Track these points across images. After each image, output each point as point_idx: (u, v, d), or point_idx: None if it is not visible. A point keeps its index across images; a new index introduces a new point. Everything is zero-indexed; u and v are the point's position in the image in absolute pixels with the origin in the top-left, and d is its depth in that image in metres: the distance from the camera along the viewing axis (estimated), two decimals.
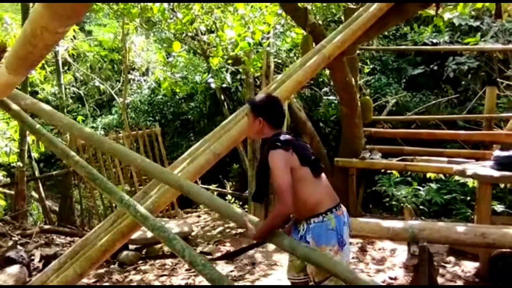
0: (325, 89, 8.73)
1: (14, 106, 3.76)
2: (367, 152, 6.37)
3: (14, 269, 4.61)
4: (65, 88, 10.16)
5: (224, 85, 7.77)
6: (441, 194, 7.02)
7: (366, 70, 8.59)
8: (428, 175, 6.51)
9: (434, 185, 6.95)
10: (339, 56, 4.88)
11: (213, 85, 7.02)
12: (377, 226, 3.57)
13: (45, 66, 8.96)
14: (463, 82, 9.14)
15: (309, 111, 8.38)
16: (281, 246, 2.47)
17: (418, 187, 6.91)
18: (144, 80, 13.31)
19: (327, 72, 7.63)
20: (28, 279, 4.67)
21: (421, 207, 6.77)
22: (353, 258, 4.93)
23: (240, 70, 6.89)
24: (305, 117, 7.04)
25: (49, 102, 11.62)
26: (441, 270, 4.35)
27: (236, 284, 4.35)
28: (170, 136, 11.44)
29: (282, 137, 2.53)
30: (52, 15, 1.27)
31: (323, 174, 2.68)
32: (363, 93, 8.08)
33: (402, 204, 6.54)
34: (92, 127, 12.55)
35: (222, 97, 9.41)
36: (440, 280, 4.00)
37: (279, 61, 8.45)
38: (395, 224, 3.62)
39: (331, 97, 8.42)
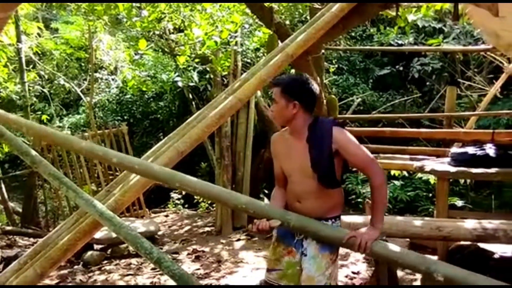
0: None
1: None
2: None
3: None
4: (29, 87, 9.92)
5: (191, 84, 7.74)
6: (405, 191, 7.22)
7: (332, 70, 8.72)
8: (392, 172, 6.67)
9: (398, 182, 7.12)
10: (304, 55, 4.94)
11: (180, 84, 7.01)
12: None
13: (8, 64, 8.74)
14: (427, 83, 9.41)
15: None
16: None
17: None
18: (112, 79, 13.12)
19: (292, 71, 7.72)
20: None
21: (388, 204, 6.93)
22: None
23: (208, 69, 6.89)
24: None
25: (13, 100, 11.34)
26: None
27: (201, 282, 4.36)
28: (139, 136, 11.35)
29: (338, 121, 2.41)
30: None
31: None
32: (329, 92, 8.20)
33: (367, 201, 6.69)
34: (59, 126, 12.29)
35: (191, 96, 9.38)
36: (400, 273, 4.11)
37: (247, 60, 8.49)
38: (355, 219, 3.71)
39: None
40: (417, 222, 3.58)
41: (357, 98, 8.67)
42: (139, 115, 11.84)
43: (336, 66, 9.16)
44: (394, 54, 9.71)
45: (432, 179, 6.46)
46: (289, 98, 2.30)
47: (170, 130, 10.33)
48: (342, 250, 5.02)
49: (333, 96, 7.29)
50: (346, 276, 4.34)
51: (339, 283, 4.10)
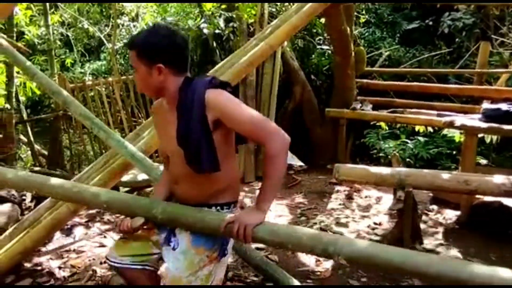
0: (320, 38, 8.63)
1: (4, 42, 3.69)
2: (358, 103, 6.42)
3: (6, 207, 4.65)
4: (53, 31, 9.88)
5: (217, 32, 7.62)
6: (427, 149, 7.15)
7: (362, 20, 8.49)
8: (416, 128, 6.61)
9: (422, 139, 7.05)
10: (336, 3, 4.82)
11: (205, 31, 6.90)
12: (365, 171, 3.66)
13: (32, 6, 8.68)
14: (457, 39, 9.09)
15: (302, 63, 8.32)
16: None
17: (406, 140, 7.02)
18: (134, 26, 13.00)
19: (321, 21, 7.54)
20: (21, 217, 4.73)
21: (407, 160, 6.90)
22: (339, 205, 5.08)
23: (234, 16, 6.75)
24: (298, 67, 7.01)
25: (35, 44, 11.37)
26: (423, 217, 4.50)
27: None
28: None
29: (217, 79, 1.87)
30: None
31: None
32: (357, 44, 8.03)
33: (389, 156, 6.67)
34: (81, 72, 12.36)
35: (214, 44, 9.25)
36: (423, 226, 4.16)
37: (273, 9, 8.29)
38: (383, 170, 3.71)
39: (325, 47, 8.34)
40: (444, 175, 3.58)
41: (386, 52, 8.46)
42: None
43: (366, 17, 8.92)
44: (423, 7, 9.37)
45: (457, 136, 6.38)
46: (149, 62, 1.79)
47: None
48: (364, 202, 5.11)
49: (361, 48, 7.16)
50: (368, 226, 4.40)
51: (363, 234, 4.17)
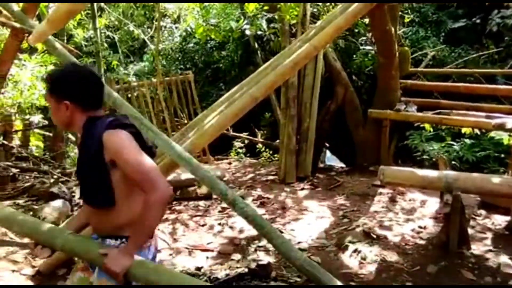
0: (363, 38, 8.53)
1: (59, 46, 3.85)
2: (402, 104, 6.31)
3: (58, 203, 4.86)
4: (100, 33, 10.21)
5: (259, 33, 7.67)
6: (473, 151, 6.94)
7: (407, 20, 8.32)
8: (463, 130, 6.43)
9: (468, 141, 6.85)
10: (381, 3, 4.77)
11: (248, 32, 6.96)
12: (412, 174, 3.61)
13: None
14: (506, 38, 8.76)
15: (343, 63, 8.26)
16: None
17: (452, 143, 6.84)
18: (176, 28, 13.25)
19: (364, 21, 7.46)
20: (71, 213, 4.93)
21: (452, 162, 6.72)
22: (382, 207, 5.01)
23: (276, 17, 6.77)
24: (340, 67, 6.95)
25: (82, 47, 11.78)
26: (471, 222, 4.38)
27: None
28: (200, 85, 11.48)
29: (120, 119, 1.90)
30: None
31: None
32: (401, 44, 7.88)
33: (433, 159, 6.52)
34: (125, 73, 12.69)
35: (256, 45, 9.31)
36: (470, 231, 4.04)
37: (315, 10, 8.27)
38: (430, 173, 3.65)
39: (368, 47, 8.24)
40: (495, 179, 3.48)
41: (431, 52, 8.26)
42: (201, 64, 11.94)
43: (411, 17, 8.74)
44: (470, 5, 9.07)
45: (505, 139, 6.16)
46: (58, 98, 1.85)
47: (232, 80, 10.47)
48: (408, 205, 5.02)
49: (406, 48, 7.03)
50: (413, 230, 4.31)
51: (407, 238, 4.10)
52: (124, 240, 1.85)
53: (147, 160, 1.77)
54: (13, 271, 3.59)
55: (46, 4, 7.21)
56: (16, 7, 4.11)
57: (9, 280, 3.44)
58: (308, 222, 4.71)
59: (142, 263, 1.78)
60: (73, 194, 5.70)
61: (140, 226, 1.75)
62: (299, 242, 4.20)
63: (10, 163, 6.74)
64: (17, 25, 3.68)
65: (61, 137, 8.44)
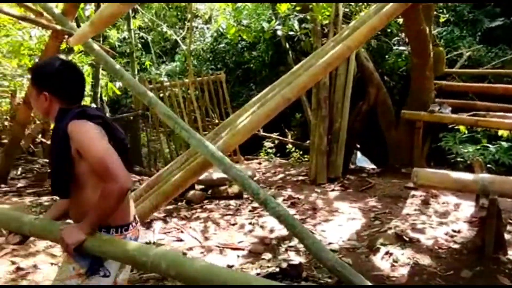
0: (396, 38, 8.41)
1: (96, 47, 3.96)
2: (436, 105, 6.19)
3: None
4: (134, 34, 10.43)
5: (291, 33, 7.66)
6: (510, 154, 6.75)
7: (442, 19, 8.16)
8: (500, 132, 6.26)
9: (505, 144, 6.66)
10: (416, 3, 4.70)
11: (279, 33, 6.97)
12: (445, 176, 3.54)
13: None
14: None
15: (375, 64, 8.18)
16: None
17: (487, 145, 6.67)
18: (207, 28, 13.40)
19: (398, 21, 7.36)
20: None
21: (488, 165, 6.55)
22: (415, 210, 4.94)
23: (308, 17, 6.75)
24: (373, 68, 6.88)
25: (115, 47, 12.06)
26: (508, 227, 4.27)
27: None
28: (231, 85, 11.59)
29: (89, 110, 1.91)
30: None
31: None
32: (436, 44, 7.73)
33: (468, 162, 6.37)
34: (157, 73, 12.92)
35: (287, 46, 9.32)
36: (507, 236, 3.94)
37: (347, 10, 8.21)
38: (465, 175, 3.57)
39: (401, 48, 8.12)
40: None
41: (467, 52, 8.07)
42: (232, 65, 12.04)
43: (446, 16, 8.57)
44: (508, 3, 8.81)
45: None
46: (38, 89, 1.94)
47: (262, 80, 10.51)
48: (441, 208, 4.93)
49: (440, 48, 6.90)
50: (446, 234, 4.24)
51: (441, 242, 4.04)
52: (105, 230, 1.88)
53: (109, 152, 1.79)
54: (52, 264, 3.73)
55: (82, 6, 7.42)
56: (56, 10, 4.26)
57: (47, 273, 3.57)
58: (339, 223, 4.69)
59: (97, 237, 1.84)
60: None
61: (94, 212, 1.79)
62: (330, 243, 4.19)
63: (48, 160, 6.96)
64: (58, 27, 3.80)
65: None
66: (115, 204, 1.77)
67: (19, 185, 6.13)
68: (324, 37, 6.83)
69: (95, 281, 1.89)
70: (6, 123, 7.17)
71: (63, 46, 5.59)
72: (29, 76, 2.04)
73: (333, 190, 5.83)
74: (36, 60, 7.00)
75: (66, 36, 4.14)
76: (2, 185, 6.03)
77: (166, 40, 14.14)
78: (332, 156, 6.23)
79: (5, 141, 7.41)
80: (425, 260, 3.69)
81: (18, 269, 3.73)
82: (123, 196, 1.77)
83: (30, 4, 4.13)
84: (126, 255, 1.82)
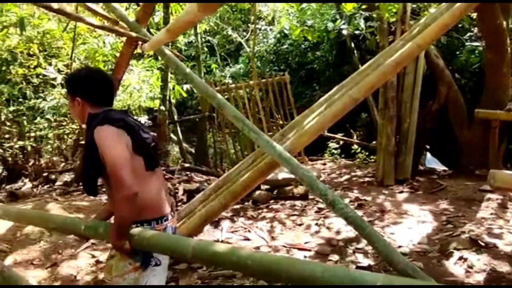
0: (468, 34, 8.03)
1: (168, 52, 4.14)
2: None
3: None
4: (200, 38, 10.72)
5: (357, 33, 7.54)
6: None
7: None
8: None
9: None
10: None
11: (345, 32, 6.89)
12: None
13: None
14: None
15: (445, 61, 7.85)
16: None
17: None
18: (270, 30, 13.50)
19: (471, 15, 7.02)
20: (176, 208, 5.25)
21: None
22: (491, 214, 4.69)
23: (374, 16, 6.62)
24: (443, 65, 6.61)
25: (181, 51, 12.45)
26: None
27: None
28: (294, 86, 11.58)
29: (112, 114, 2.07)
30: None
31: (159, 172, 2.22)
32: None
33: None
34: (221, 76, 13.19)
35: (352, 45, 9.18)
36: None
37: (414, 6, 7.94)
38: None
39: (474, 43, 7.73)
40: None
41: None
42: (295, 65, 12.04)
43: None
44: None
45: None
46: (72, 95, 2.14)
47: (326, 80, 10.42)
48: None
49: None
50: None
51: None
52: (138, 224, 2.03)
53: (119, 160, 1.90)
54: None
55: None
56: (131, 18, 4.50)
57: None
58: (408, 226, 4.56)
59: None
60: (176, 190, 6.07)
61: (115, 219, 1.99)
62: (399, 246, 4.08)
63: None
64: (133, 34, 4.00)
65: (165, 136, 9.00)
66: (128, 208, 1.90)
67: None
68: (391, 35, 6.66)
69: (149, 270, 2.07)
70: (84, 125, 7.63)
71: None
72: None
73: (401, 192, 5.67)
74: (110, 65, 7.41)
75: (140, 43, 4.34)
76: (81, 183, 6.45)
77: (230, 43, 14.40)
78: (400, 157, 6.06)
79: (82, 142, 7.92)
80: (503, 266, 3.50)
81: (97, 262, 3.98)
82: (132, 200, 1.89)
83: (107, 14, 4.38)
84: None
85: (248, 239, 4.54)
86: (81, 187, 6.26)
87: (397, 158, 6.08)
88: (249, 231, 4.75)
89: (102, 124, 1.98)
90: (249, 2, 10.46)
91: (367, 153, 7.97)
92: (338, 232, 4.52)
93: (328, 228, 4.67)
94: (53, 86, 7.30)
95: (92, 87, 2.13)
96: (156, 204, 2.11)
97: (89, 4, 4.24)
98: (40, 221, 2.69)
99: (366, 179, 6.40)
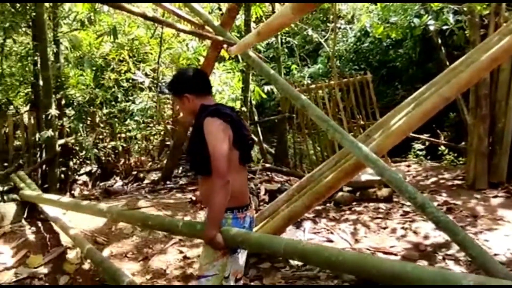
0: None
1: (252, 54, 4.22)
2: None
3: None
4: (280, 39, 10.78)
5: (444, 28, 7.17)
6: None
7: None
8: None
9: None
10: None
11: (431, 28, 6.58)
12: None
13: (263, 19, 9.65)
14: None
15: None
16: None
17: None
18: (350, 28, 13.26)
19: None
20: (258, 207, 5.34)
21: None
22: None
23: (464, 9, 6.26)
24: None
25: (260, 52, 12.61)
26: None
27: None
28: (375, 84, 11.28)
29: (222, 109, 2.29)
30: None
31: (246, 167, 2.45)
32: None
33: None
34: (300, 76, 13.18)
35: (439, 41, 8.74)
36: None
37: None
38: None
39: None
40: None
41: None
42: (376, 64, 11.74)
43: None
44: None
45: None
46: (179, 96, 2.36)
47: (409, 79, 10.05)
48: None
49: None
50: None
51: None
52: (228, 211, 2.23)
53: (221, 151, 2.13)
54: None
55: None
56: (216, 22, 4.65)
57: None
58: (505, 233, 4.27)
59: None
60: (258, 190, 6.16)
61: (210, 206, 2.20)
62: (495, 255, 3.82)
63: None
64: (220, 38, 4.13)
65: None
66: (222, 195, 2.12)
67: (181, 182, 6.80)
68: (483, 28, 6.25)
69: (235, 256, 2.34)
70: (168, 126, 7.97)
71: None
72: None
73: (495, 196, 5.30)
74: None
75: (225, 46, 4.47)
76: (168, 182, 6.77)
77: (309, 43, 14.34)
78: (494, 159, 5.67)
79: (168, 143, 8.30)
80: None
81: (185, 258, 4.16)
82: (225, 186, 2.11)
83: (194, 20, 4.56)
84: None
85: (331, 241, 4.50)
86: (168, 185, 6.60)
87: (490, 160, 5.70)
88: (331, 233, 4.71)
89: (212, 116, 2.20)
90: (340, 2, 10.35)
91: (455, 155, 7.56)
92: (426, 237, 4.34)
93: (415, 232, 4.50)
94: (141, 90, 7.74)
95: (194, 81, 2.38)
96: (240, 194, 2.31)
97: (176, 10, 4.45)
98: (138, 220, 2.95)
99: (455, 182, 6.06)
